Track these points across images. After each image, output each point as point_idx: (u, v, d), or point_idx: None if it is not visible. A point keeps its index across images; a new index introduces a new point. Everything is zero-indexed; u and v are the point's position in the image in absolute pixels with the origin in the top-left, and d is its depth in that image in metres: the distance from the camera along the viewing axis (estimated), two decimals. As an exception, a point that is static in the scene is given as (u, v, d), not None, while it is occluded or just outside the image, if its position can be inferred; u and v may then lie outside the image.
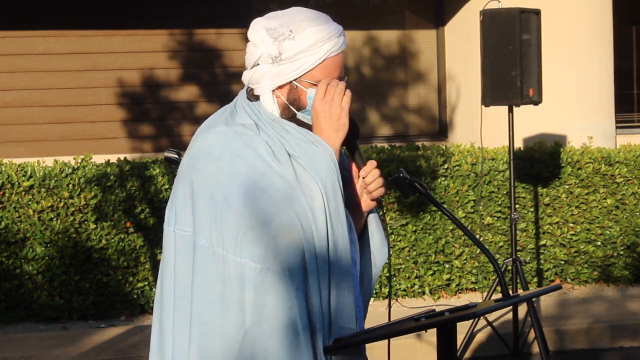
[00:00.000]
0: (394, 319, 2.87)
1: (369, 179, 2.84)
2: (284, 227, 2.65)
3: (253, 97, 2.83)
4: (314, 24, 2.76)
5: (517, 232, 7.81)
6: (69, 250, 7.72)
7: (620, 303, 8.45)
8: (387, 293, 8.44)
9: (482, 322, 7.20)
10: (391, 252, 8.32)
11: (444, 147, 8.83)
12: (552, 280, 8.94)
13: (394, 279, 8.47)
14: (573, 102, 10.21)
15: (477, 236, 8.58)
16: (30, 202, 7.68)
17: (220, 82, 10.54)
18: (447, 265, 8.58)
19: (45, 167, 7.82)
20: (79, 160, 7.95)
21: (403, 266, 8.49)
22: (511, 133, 7.02)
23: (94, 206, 7.76)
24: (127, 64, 10.34)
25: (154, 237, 7.89)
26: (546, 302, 8.39)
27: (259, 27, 2.79)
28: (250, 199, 2.65)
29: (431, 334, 4.06)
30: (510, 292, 5.32)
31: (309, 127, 2.82)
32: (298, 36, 2.74)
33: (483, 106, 7.08)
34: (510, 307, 7.08)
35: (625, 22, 12.06)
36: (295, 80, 2.78)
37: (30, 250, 7.69)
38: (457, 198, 8.54)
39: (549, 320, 7.78)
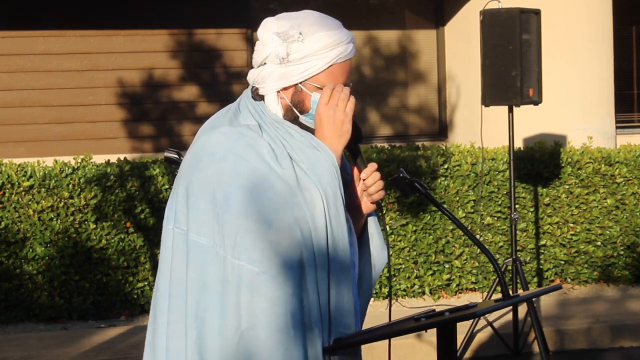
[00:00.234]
0: (394, 319, 2.87)
1: (370, 181, 2.84)
2: (282, 231, 2.65)
3: (258, 96, 2.82)
4: (324, 29, 2.76)
5: (517, 232, 7.81)
6: (69, 250, 7.72)
7: (621, 303, 8.44)
8: (387, 293, 8.44)
9: (482, 322, 7.19)
10: (391, 252, 8.31)
11: (444, 147, 8.83)
12: (552, 280, 8.93)
13: (394, 279, 8.46)
14: (573, 102, 10.20)
15: (477, 236, 8.57)
16: (30, 202, 7.68)
17: (220, 82, 10.53)
18: (447, 265, 8.58)
19: (45, 167, 7.81)
20: (79, 160, 7.95)
21: (403, 266, 8.49)
22: (511, 133, 7.02)
23: (94, 206, 7.76)
24: (127, 64, 10.34)
25: (154, 237, 7.88)
26: (546, 302, 8.38)
27: (269, 27, 2.78)
28: (251, 202, 2.65)
29: (431, 334, 4.06)
30: (510, 292, 5.31)
31: (311, 130, 2.81)
32: (307, 39, 2.74)
33: (483, 106, 7.08)
34: (510, 307, 7.07)
35: (625, 22, 12.06)
36: (300, 83, 2.78)
37: (30, 250, 7.69)
38: (457, 198, 8.54)
39: (549, 320, 7.78)
